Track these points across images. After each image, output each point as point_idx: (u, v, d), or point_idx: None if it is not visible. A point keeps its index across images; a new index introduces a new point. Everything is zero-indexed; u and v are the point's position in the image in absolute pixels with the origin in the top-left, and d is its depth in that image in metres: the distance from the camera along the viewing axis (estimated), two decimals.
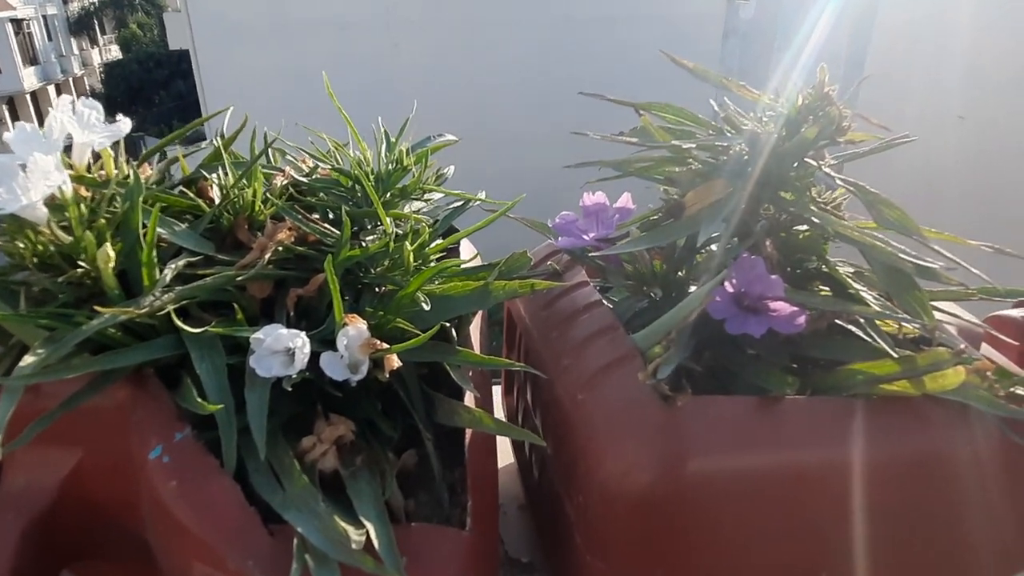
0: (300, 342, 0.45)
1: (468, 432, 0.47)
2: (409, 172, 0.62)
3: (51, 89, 18.57)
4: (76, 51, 19.76)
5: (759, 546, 0.43)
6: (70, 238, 0.48)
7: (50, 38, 18.41)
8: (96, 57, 20.39)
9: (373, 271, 0.54)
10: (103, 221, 0.49)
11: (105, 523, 0.50)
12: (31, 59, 17.59)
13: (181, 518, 0.40)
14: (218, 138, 0.63)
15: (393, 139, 0.61)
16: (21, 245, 0.49)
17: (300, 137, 0.67)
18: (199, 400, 0.41)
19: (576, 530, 0.46)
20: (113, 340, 0.46)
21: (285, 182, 0.58)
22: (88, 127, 0.52)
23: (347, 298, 0.52)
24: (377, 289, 0.54)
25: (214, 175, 0.59)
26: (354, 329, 0.45)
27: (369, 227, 0.58)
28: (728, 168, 0.50)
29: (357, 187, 0.59)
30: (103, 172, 0.56)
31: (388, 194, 0.61)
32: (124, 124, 0.53)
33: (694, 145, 0.48)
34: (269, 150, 0.64)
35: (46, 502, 0.47)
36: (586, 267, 0.58)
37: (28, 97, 17.61)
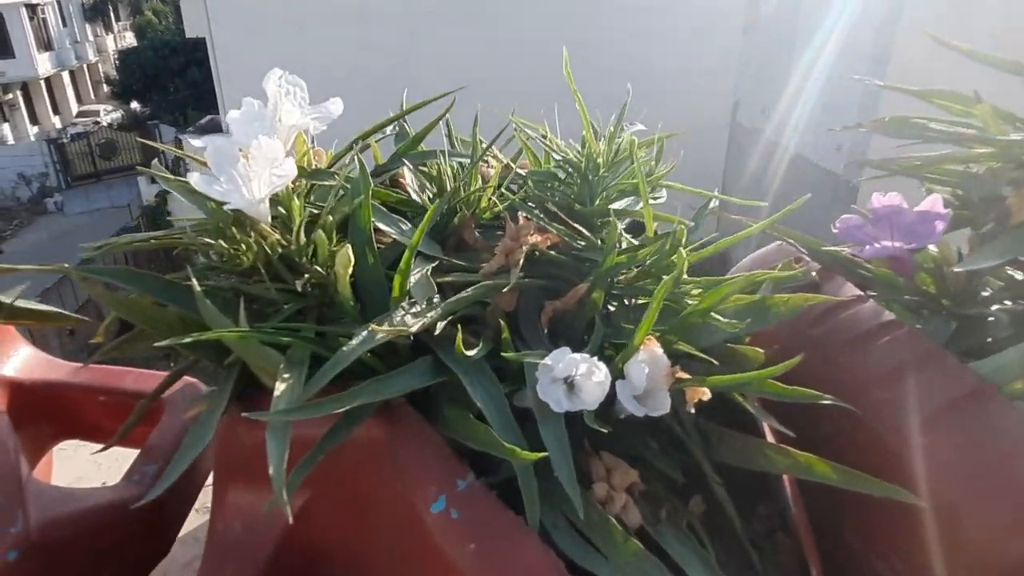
0: (586, 368, 0.37)
1: (786, 479, 0.39)
2: (627, 164, 0.54)
3: (65, 75, 18.53)
4: (91, 37, 19.67)
5: None
6: (302, 239, 0.40)
7: (64, 24, 18.31)
8: (111, 44, 20.29)
9: (617, 280, 0.46)
10: (330, 219, 0.42)
11: (323, 572, 0.43)
12: (45, 45, 17.52)
13: None
14: (402, 123, 0.56)
15: (611, 128, 0.53)
16: (225, 245, 0.42)
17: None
18: (508, 445, 0.33)
19: None
20: (361, 364, 0.38)
21: (500, 176, 0.50)
22: (300, 107, 0.44)
23: (611, 310, 0.44)
24: (627, 302, 0.46)
25: (405, 167, 0.52)
26: (649, 354, 0.38)
27: (599, 224, 0.50)
28: None
29: (576, 180, 0.51)
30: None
31: (604, 192, 0.53)
32: (335, 105, 0.46)
33: None
34: (455, 139, 0.57)
35: (268, 551, 0.40)
36: (847, 278, 0.50)
37: (42, 83, 17.57)
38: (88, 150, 14.46)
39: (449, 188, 0.47)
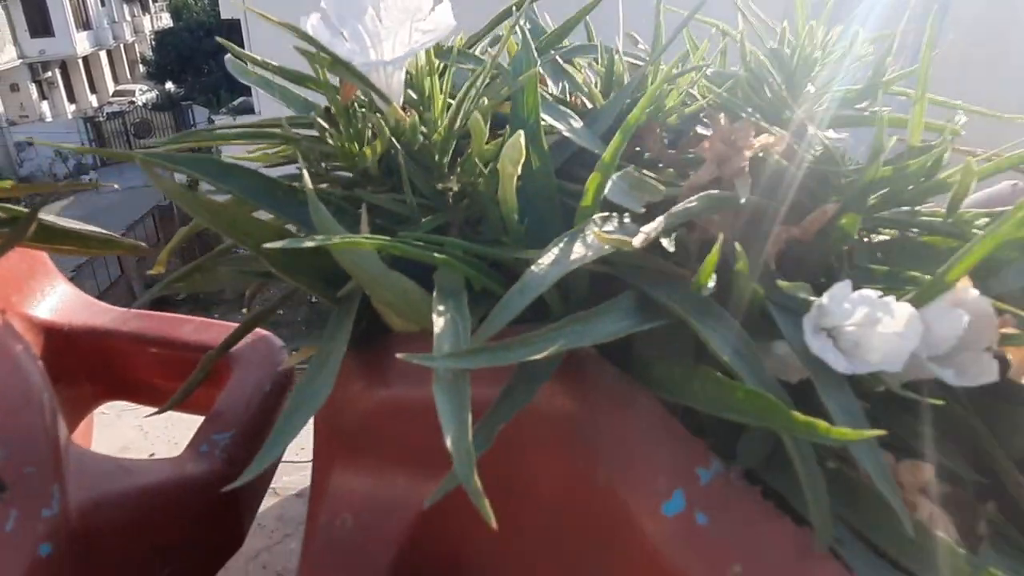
0: (868, 312, 0.25)
1: None
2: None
3: (102, 55, 18.74)
4: (128, 17, 19.83)
5: None
6: (445, 125, 0.29)
7: (103, 3, 18.48)
8: (147, 24, 20.47)
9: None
10: (484, 101, 0.30)
11: None
12: (84, 24, 17.69)
13: None
14: (532, 16, 0.44)
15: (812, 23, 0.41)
16: (340, 135, 0.31)
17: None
18: (839, 430, 0.21)
19: None
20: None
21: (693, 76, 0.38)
22: None
23: (847, 247, 0.32)
24: (865, 238, 0.34)
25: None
26: (966, 299, 0.26)
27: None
28: None
29: (779, 84, 0.39)
30: None
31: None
32: None
33: None
34: (596, 40, 0.45)
35: (390, 555, 0.29)
36: None
37: (80, 62, 17.77)
38: (123, 129, 14.65)
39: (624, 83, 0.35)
